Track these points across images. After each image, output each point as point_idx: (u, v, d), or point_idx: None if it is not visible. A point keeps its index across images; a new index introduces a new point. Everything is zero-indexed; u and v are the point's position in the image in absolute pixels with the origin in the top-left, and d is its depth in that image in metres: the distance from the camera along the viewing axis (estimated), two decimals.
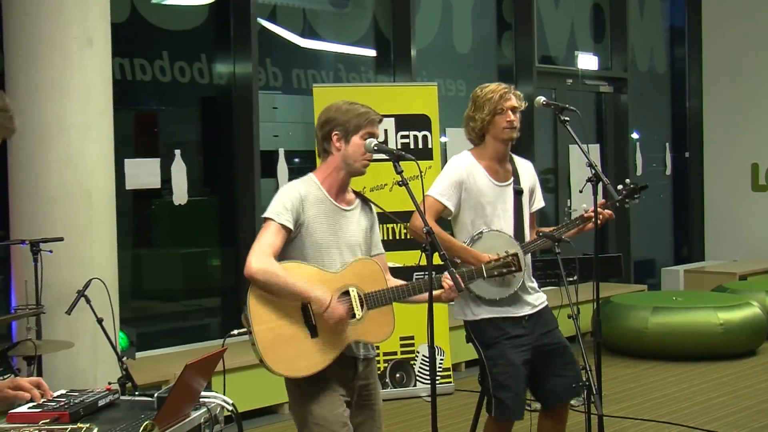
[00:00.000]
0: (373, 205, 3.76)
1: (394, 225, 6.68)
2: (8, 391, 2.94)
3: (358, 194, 3.71)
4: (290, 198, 3.47)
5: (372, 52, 8.43)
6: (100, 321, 4.44)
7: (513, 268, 3.83)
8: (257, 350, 3.34)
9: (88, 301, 4.51)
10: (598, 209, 4.20)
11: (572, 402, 4.46)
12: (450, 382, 6.95)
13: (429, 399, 3.45)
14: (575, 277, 4.26)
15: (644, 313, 8.02)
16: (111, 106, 5.42)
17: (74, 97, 5.20)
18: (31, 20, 5.17)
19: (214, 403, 3.26)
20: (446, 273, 3.49)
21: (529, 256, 4.29)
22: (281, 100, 7.87)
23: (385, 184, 6.58)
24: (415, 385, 6.83)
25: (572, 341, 4.19)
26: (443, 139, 7.93)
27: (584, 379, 3.87)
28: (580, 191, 4.29)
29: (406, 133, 6.87)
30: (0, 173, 5.40)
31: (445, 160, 7.50)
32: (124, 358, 4.45)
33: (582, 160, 4.13)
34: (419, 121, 6.92)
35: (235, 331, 3.46)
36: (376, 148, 3.55)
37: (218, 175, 7.44)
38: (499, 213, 4.22)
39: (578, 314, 3.89)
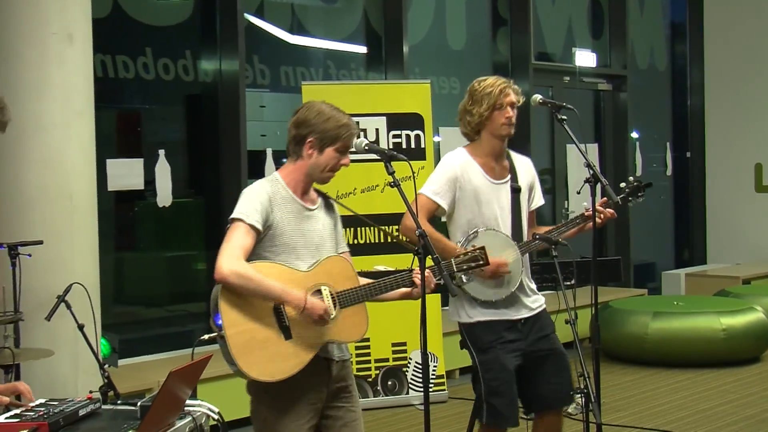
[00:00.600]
0: (334, 203, 3.77)
1: (385, 227, 6.68)
2: None
3: (320, 193, 3.72)
4: (259, 199, 3.47)
5: (363, 49, 8.44)
6: (81, 327, 4.43)
7: (481, 262, 3.79)
8: (230, 355, 3.33)
9: (68, 306, 4.50)
10: (599, 208, 4.20)
11: (570, 410, 4.47)
12: (444, 390, 6.96)
13: (422, 407, 3.46)
14: (573, 281, 4.26)
15: (644, 319, 8.03)
16: (92, 104, 5.41)
17: (54, 95, 5.19)
18: (7, 15, 5.15)
19: (199, 412, 3.26)
20: (416, 270, 3.50)
21: (527, 255, 4.29)
22: (269, 99, 7.87)
23: (377, 185, 6.58)
24: (407, 393, 6.83)
25: (570, 347, 4.19)
26: (436, 139, 7.93)
27: (582, 386, 3.87)
28: (578, 192, 4.30)
29: (398, 132, 6.87)
30: None
31: (438, 160, 7.50)
32: (106, 366, 4.44)
33: (580, 160, 4.13)
34: (411, 120, 6.92)
35: (206, 336, 3.46)
36: (367, 147, 3.56)
37: (204, 176, 7.44)
38: (495, 212, 4.22)
39: (576, 319, 3.90)
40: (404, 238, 4.15)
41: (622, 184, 4.41)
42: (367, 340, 6.54)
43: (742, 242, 11.34)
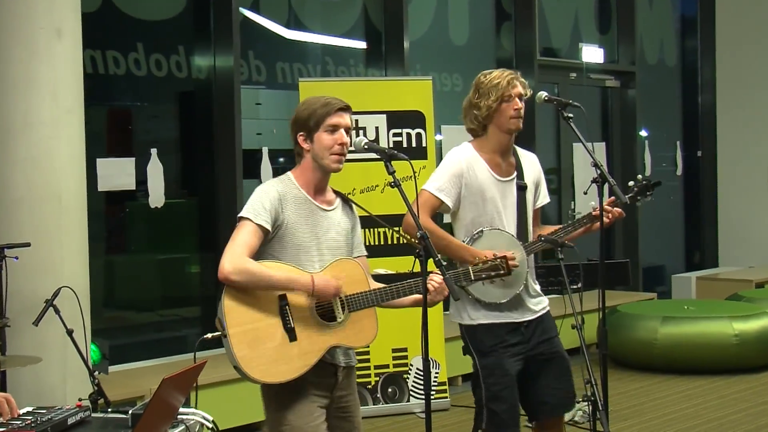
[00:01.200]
0: (354, 206, 3.78)
1: (385, 230, 6.68)
2: None
3: (339, 194, 3.74)
4: (269, 197, 3.50)
5: (362, 44, 8.44)
6: (70, 333, 4.43)
7: (501, 272, 3.82)
8: (232, 355, 3.35)
9: (57, 311, 4.50)
10: (607, 207, 4.21)
11: (576, 418, 4.47)
12: (446, 398, 6.96)
13: (423, 415, 3.46)
14: (579, 285, 4.27)
15: (653, 324, 8.03)
16: (82, 101, 5.41)
17: (42, 92, 5.18)
18: None
19: (193, 420, 3.26)
20: (432, 274, 3.50)
21: (532, 257, 4.29)
22: (265, 96, 7.87)
23: (377, 186, 6.58)
24: (408, 401, 6.83)
25: (576, 353, 4.20)
26: (438, 138, 7.94)
27: (589, 394, 3.88)
28: (585, 193, 4.30)
29: (398, 130, 6.87)
30: None
31: (440, 160, 7.49)
32: (96, 373, 4.44)
33: (586, 159, 4.14)
34: (412, 118, 6.92)
35: (209, 335, 3.48)
36: (366, 146, 3.57)
37: (197, 175, 7.44)
38: (500, 210, 4.22)
39: (582, 324, 3.90)
40: (413, 240, 4.16)
41: (630, 183, 4.42)
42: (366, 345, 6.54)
43: (755, 244, 11.33)
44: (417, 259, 3.41)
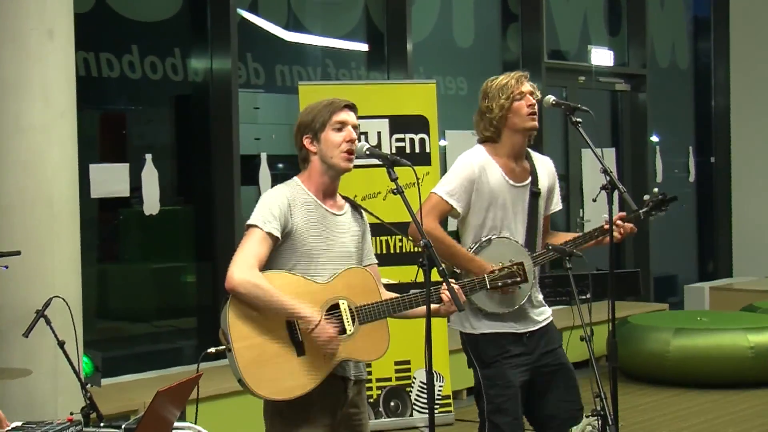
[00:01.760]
0: (364, 212, 3.78)
1: (388, 237, 6.68)
2: None
3: (347, 200, 3.74)
4: (277, 203, 3.49)
5: (364, 47, 8.45)
6: (61, 344, 4.42)
7: (518, 279, 3.84)
8: (237, 370, 3.34)
9: (48, 322, 4.50)
10: (619, 222, 4.21)
11: None
12: (450, 411, 6.95)
13: (427, 430, 3.45)
14: (588, 295, 4.26)
15: (665, 335, 8.02)
16: (74, 105, 5.41)
17: (33, 95, 5.19)
18: None
19: None
20: (445, 285, 3.50)
21: (537, 267, 4.29)
22: (263, 100, 7.87)
23: (379, 192, 6.58)
24: (411, 415, 6.82)
25: (585, 366, 4.19)
26: (442, 143, 7.94)
27: (599, 408, 3.87)
28: (594, 200, 4.29)
29: (401, 135, 6.88)
30: None
31: (444, 166, 7.50)
32: (88, 386, 4.43)
33: (596, 165, 4.13)
34: (416, 123, 6.93)
35: (213, 349, 3.47)
36: (368, 152, 3.57)
37: (193, 182, 7.44)
38: (511, 217, 4.22)
39: (592, 336, 3.89)
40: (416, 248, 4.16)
41: (646, 197, 4.42)
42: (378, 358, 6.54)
43: None
44: (420, 269, 3.41)
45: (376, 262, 3.78)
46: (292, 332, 3.42)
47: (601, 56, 10.34)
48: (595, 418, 3.98)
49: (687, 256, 11.85)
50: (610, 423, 3.80)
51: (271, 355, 3.38)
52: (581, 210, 9.78)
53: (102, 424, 3.42)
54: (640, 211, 4.32)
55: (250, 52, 7.59)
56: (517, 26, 9.61)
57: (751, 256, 11.47)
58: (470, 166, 4.20)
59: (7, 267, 4.94)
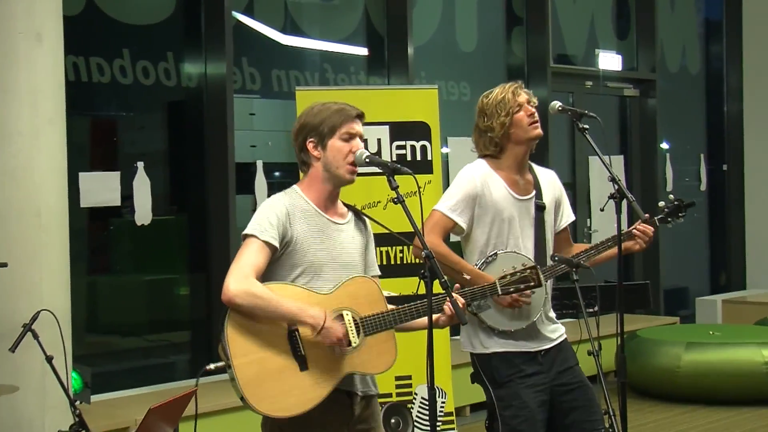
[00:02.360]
0: (368, 220, 3.77)
1: (389, 248, 6.67)
2: None
3: (350, 207, 3.73)
4: (275, 212, 3.48)
5: (363, 51, 8.45)
6: (49, 359, 4.41)
7: (532, 284, 3.83)
8: (237, 387, 3.33)
9: (35, 336, 4.49)
10: (640, 227, 4.21)
11: None
12: (453, 429, 6.94)
13: None
14: (596, 308, 4.26)
15: (676, 350, 8.01)
16: (63, 111, 5.41)
17: (21, 100, 5.19)
18: None
19: None
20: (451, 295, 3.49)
21: (549, 282, 4.29)
22: (259, 105, 7.87)
23: (379, 202, 6.58)
24: None
25: (593, 381, 4.19)
26: (444, 150, 7.94)
27: (608, 425, 3.86)
28: (602, 209, 4.30)
29: (402, 142, 6.87)
30: None
31: (446, 174, 7.51)
32: (78, 402, 4.43)
33: (603, 173, 4.14)
34: (417, 130, 6.92)
35: (212, 365, 3.45)
36: (367, 160, 3.56)
37: (187, 191, 7.44)
38: (517, 231, 4.22)
39: (600, 351, 3.89)
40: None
41: (661, 203, 4.42)
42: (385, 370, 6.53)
43: None
44: (421, 281, 3.40)
45: (379, 274, 3.77)
46: (294, 346, 3.41)
47: (609, 60, 10.35)
48: None
49: (698, 267, 11.84)
50: None
51: (273, 371, 3.37)
52: (588, 220, 9.77)
53: None
54: (656, 218, 4.32)
55: (245, 56, 7.59)
56: (521, 29, 9.61)
57: (766, 268, 11.46)
58: (472, 180, 4.20)
59: None
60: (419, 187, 3.53)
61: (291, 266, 3.50)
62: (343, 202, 3.70)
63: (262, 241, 3.43)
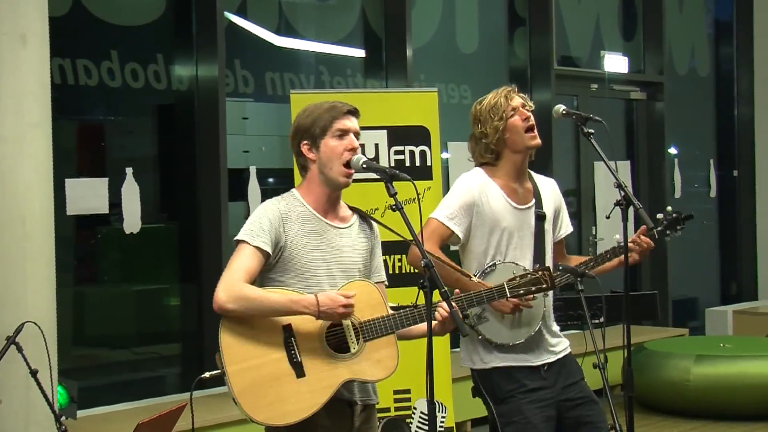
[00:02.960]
0: (375, 223, 3.77)
1: (386, 257, 6.66)
2: None
3: (356, 210, 3.73)
4: (267, 216, 3.50)
5: (360, 53, 8.46)
6: (34, 373, 4.41)
7: (544, 286, 3.82)
8: (233, 395, 3.35)
9: (19, 349, 4.48)
10: (638, 238, 4.21)
11: None
12: None
13: None
14: (602, 319, 4.25)
15: (685, 363, 8.01)
16: (49, 115, 5.41)
17: (5, 105, 5.19)
18: None
19: None
20: (441, 302, 3.49)
21: (551, 294, 4.29)
22: (253, 109, 7.88)
23: (377, 209, 6.57)
24: None
25: (599, 396, 4.19)
26: (444, 156, 7.94)
27: None
28: (608, 217, 4.30)
29: (400, 147, 6.87)
30: None
31: (446, 180, 7.51)
32: (63, 418, 4.42)
33: (609, 180, 4.14)
34: (416, 134, 6.92)
35: (207, 374, 3.47)
36: (365, 165, 3.57)
37: (177, 198, 7.44)
38: (516, 242, 4.22)
39: (606, 363, 3.89)
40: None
41: (659, 216, 4.42)
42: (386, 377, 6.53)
43: None
44: (421, 290, 3.39)
45: (385, 280, 3.78)
46: (290, 353, 3.42)
47: (615, 62, 10.36)
48: None
49: (708, 277, 11.84)
50: None
51: (269, 378, 3.39)
52: (594, 228, 9.77)
53: None
54: (655, 230, 4.32)
55: (238, 58, 7.59)
56: (524, 30, 9.62)
57: None
58: (469, 189, 4.21)
59: None
60: (418, 194, 3.53)
61: (285, 272, 3.52)
62: (348, 205, 3.71)
63: (254, 246, 3.45)
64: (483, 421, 4.33)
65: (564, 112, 4.31)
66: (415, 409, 6.82)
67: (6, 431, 5.12)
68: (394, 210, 3.43)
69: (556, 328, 4.34)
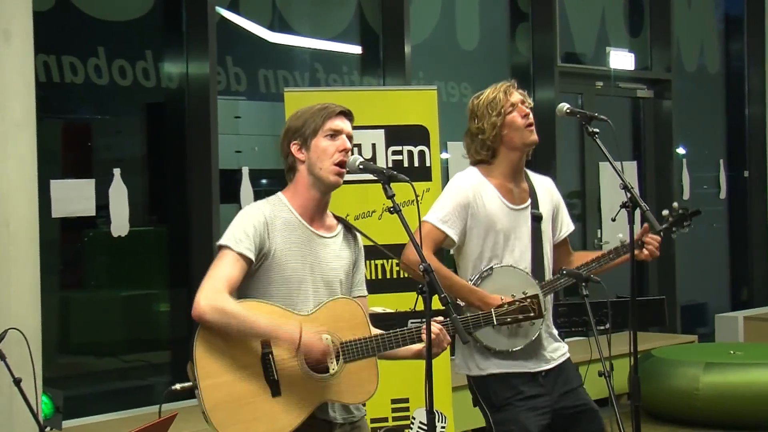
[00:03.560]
0: (359, 235, 3.76)
1: (384, 261, 6.67)
2: None
3: (340, 220, 3.72)
4: (252, 222, 3.49)
5: (357, 49, 8.46)
6: (17, 382, 4.40)
7: (531, 314, 3.83)
8: (204, 411, 3.33)
9: (2, 357, 4.48)
10: (647, 237, 4.21)
11: None
12: None
13: None
14: (607, 326, 4.25)
15: (694, 371, 8.01)
16: (33, 114, 5.41)
17: None
18: None
19: None
20: (436, 320, 3.48)
21: (551, 297, 4.29)
22: (245, 108, 7.88)
23: (374, 211, 6.57)
24: None
25: (605, 405, 4.19)
26: (444, 156, 7.94)
27: None
28: (613, 220, 4.30)
29: (398, 148, 6.88)
30: None
31: (446, 181, 7.49)
32: (48, 429, 4.42)
33: (615, 181, 4.14)
34: (415, 134, 6.92)
35: (178, 386, 3.46)
36: (361, 166, 3.56)
37: (167, 199, 7.44)
38: (513, 244, 4.23)
39: (611, 371, 3.89)
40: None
41: (665, 212, 4.42)
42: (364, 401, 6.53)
43: None
44: (420, 296, 3.39)
45: (366, 295, 3.76)
46: (267, 370, 3.40)
47: (621, 59, 10.36)
48: None
49: (718, 281, 11.84)
50: None
51: (243, 395, 3.37)
52: (599, 231, 9.77)
53: None
54: (662, 227, 4.32)
55: (230, 55, 7.59)
56: (527, 26, 9.62)
57: None
58: (463, 189, 4.22)
59: None
60: (417, 196, 3.54)
61: (268, 281, 3.50)
62: (333, 214, 3.70)
63: (237, 252, 3.44)
64: (485, 431, 4.32)
65: (568, 110, 4.31)
66: (413, 418, 6.82)
67: None
68: (392, 212, 3.43)
69: (554, 332, 4.34)
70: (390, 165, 6.72)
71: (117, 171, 6.78)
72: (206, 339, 3.36)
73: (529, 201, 4.31)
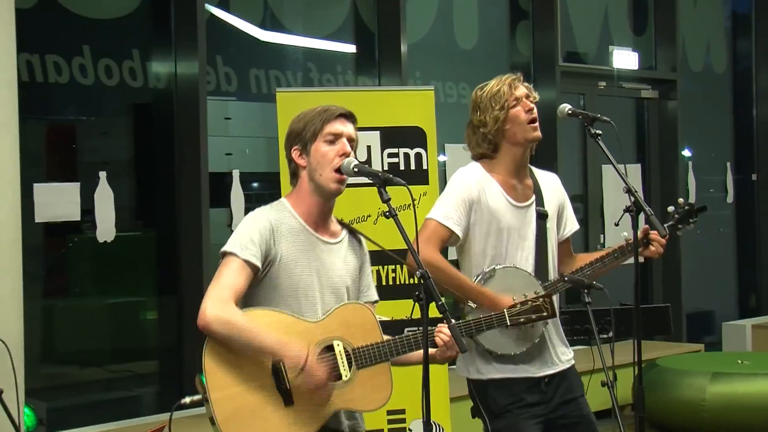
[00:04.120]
0: (364, 239, 3.77)
1: (379, 267, 6.67)
2: None
3: (344, 225, 3.73)
4: (258, 228, 3.50)
5: (351, 48, 8.46)
6: None
7: (545, 314, 3.84)
8: (216, 424, 3.33)
9: None
10: (653, 237, 4.21)
11: None
12: None
13: None
14: (610, 334, 4.25)
15: (701, 381, 8.01)
16: (16, 115, 5.40)
17: None
18: None
19: None
20: (440, 325, 3.48)
21: (556, 298, 4.29)
22: (236, 109, 7.88)
23: (369, 216, 6.57)
24: None
25: (607, 416, 4.20)
26: (441, 158, 7.95)
27: None
28: (617, 224, 4.32)
29: (394, 150, 6.88)
30: None
31: (444, 184, 7.49)
32: None
33: (618, 184, 4.15)
34: (411, 135, 6.93)
35: (187, 399, 3.46)
36: (356, 169, 3.57)
37: (155, 203, 7.44)
38: (516, 242, 4.23)
39: (615, 381, 3.89)
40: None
41: (671, 209, 4.43)
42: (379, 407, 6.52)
43: None
44: (416, 303, 3.39)
45: (376, 299, 3.78)
46: (279, 379, 3.41)
47: (625, 59, 10.37)
48: None
49: (725, 288, 11.85)
50: None
51: (254, 407, 3.38)
52: (602, 235, 9.78)
53: None
54: (667, 225, 4.32)
55: (220, 54, 7.60)
56: (527, 24, 9.63)
57: None
58: (467, 184, 4.21)
59: None
60: (413, 200, 3.54)
61: (274, 288, 3.51)
62: (337, 219, 3.71)
63: (243, 260, 3.44)
64: None
65: (570, 111, 4.31)
66: (410, 430, 6.82)
67: None
68: (387, 217, 3.43)
69: (562, 334, 4.34)
70: (386, 168, 6.72)
71: (103, 174, 6.77)
72: (215, 350, 3.37)
73: (534, 198, 4.30)
